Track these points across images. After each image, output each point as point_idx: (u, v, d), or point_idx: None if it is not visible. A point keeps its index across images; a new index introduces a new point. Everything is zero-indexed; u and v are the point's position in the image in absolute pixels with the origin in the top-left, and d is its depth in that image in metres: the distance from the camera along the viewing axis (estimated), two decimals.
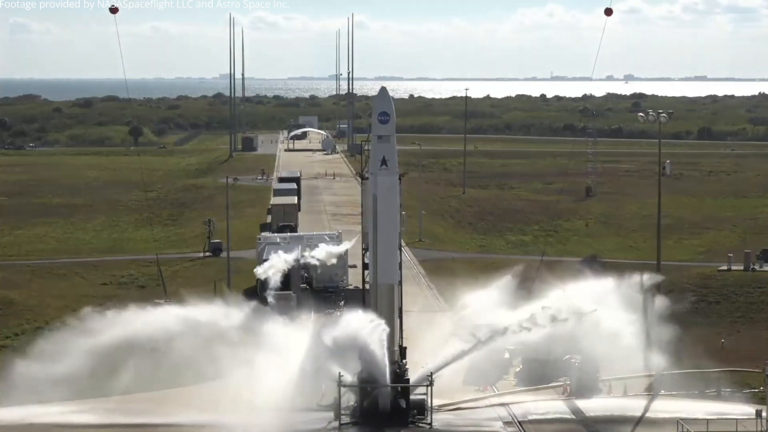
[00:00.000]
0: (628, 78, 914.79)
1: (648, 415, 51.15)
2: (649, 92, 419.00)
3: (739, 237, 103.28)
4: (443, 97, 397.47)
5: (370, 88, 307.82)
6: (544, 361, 54.72)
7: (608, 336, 53.14)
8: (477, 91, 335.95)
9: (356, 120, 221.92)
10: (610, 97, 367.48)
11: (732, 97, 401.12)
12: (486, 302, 55.82)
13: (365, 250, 50.95)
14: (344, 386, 48.68)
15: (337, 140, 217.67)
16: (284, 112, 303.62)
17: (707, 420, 47.99)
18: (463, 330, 53.23)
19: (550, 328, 52.01)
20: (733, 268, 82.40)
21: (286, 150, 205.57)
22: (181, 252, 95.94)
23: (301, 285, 75.32)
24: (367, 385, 48.61)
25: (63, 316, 62.39)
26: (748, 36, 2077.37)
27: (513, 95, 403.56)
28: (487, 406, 51.73)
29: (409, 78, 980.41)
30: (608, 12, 59.11)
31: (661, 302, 58.61)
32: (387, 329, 48.79)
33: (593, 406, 51.94)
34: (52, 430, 48.52)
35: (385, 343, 48.67)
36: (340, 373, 48.32)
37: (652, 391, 54.47)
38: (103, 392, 51.72)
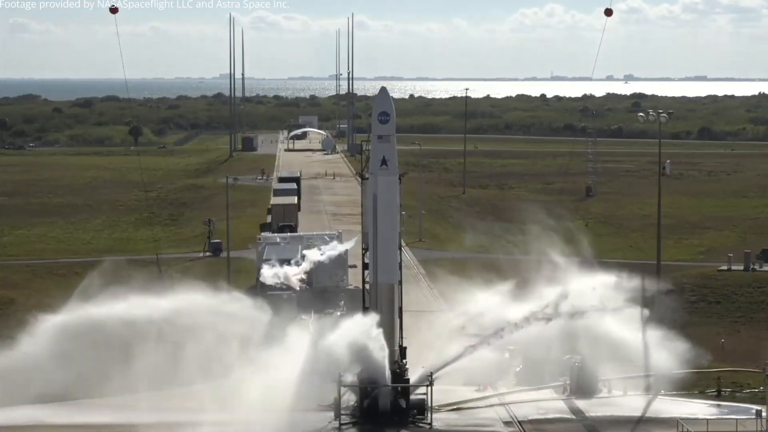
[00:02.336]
0: (628, 78, 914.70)
1: (648, 415, 51.16)
2: (649, 92, 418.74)
3: (739, 237, 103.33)
4: (443, 97, 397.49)
5: (370, 88, 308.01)
6: (544, 360, 54.73)
7: (612, 334, 53.37)
8: (477, 91, 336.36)
9: (356, 120, 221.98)
10: (610, 97, 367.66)
11: (732, 97, 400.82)
12: (493, 299, 55.79)
13: (365, 249, 50.97)
14: (344, 386, 48.71)
15: (337, 140, 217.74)
16: (284, 112, 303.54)
17: (707, 420, 48.01)
18: (471, 327, 53.21)
19: (569, 320, 52.19)
20: (733, 268, 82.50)
21: (286, 150, 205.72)
22: (181, 252, 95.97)
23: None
24: (367, 385, 48.62)
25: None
26: (748, 36, 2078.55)
27: (513, 95, 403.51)
28: (487, 406, 51.74)
29: (409, 78, 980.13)
30: (608, 12, 59.17)
31: (661, 301, 58.68)
32: (383, 330, 48.89)
33: (593, 406, 51.96)
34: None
35: (384, 344, 48.68)
36: (339, 373, 48.33)
37: (652, 391, 54.51)
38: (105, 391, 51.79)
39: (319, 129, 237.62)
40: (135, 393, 51.07)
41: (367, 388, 48.50)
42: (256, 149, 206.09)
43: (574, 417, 50.89)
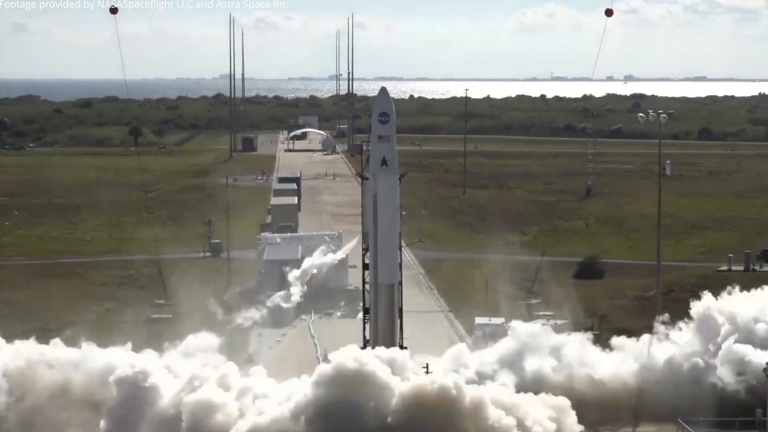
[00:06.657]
0: (628, 78, 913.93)
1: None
2: (649, 93, 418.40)
3: (740, 237, 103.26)
4: (443, 97, 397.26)
5: (370, 89, 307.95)
6: None
7: None
8: (477, 91, 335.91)
9: (356, 120, 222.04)
10: (610, 97, 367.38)
11: (732, 97, 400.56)
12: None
13: (365, 250, 50.95)
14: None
15: (337, 140, 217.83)
16: (284, 113, 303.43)
17: (707, 419, 48.04)
18: None
19: None
20: (734, 268, 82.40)
21: (286, 150, 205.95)
22: (181, 252, 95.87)
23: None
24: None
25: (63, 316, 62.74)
26: (748, 36, 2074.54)
27: (513, 96, 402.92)
28: None
29: (409, 78, 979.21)
30: (608, 13, 59.03)
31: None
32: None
33: None
34: None
35: None
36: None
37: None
38: None
39: (319, 129, 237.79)
40: None
41: None
42: (256, 150, 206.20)
43: None
